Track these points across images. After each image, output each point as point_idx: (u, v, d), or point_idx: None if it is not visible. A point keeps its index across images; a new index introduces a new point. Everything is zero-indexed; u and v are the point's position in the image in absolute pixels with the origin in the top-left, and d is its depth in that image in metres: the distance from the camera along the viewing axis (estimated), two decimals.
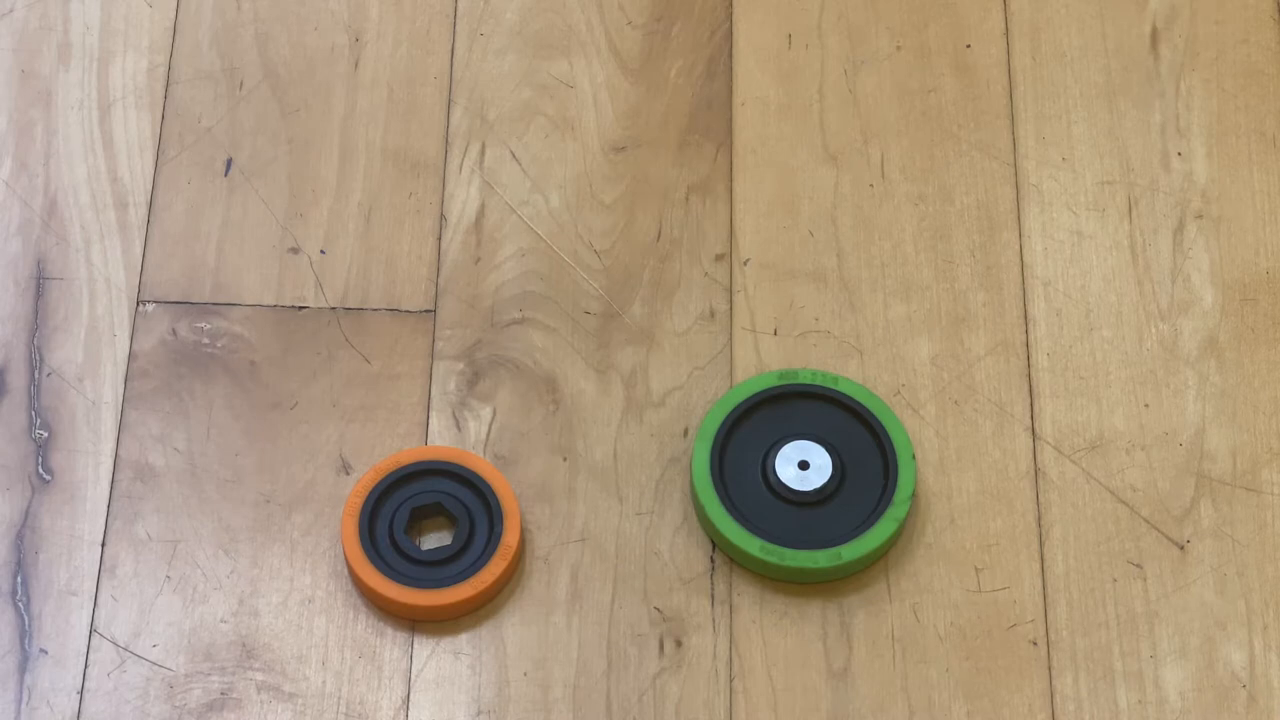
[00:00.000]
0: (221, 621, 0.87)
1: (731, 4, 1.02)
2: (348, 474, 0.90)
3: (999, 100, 0.99)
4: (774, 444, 0.89)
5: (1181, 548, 0.89)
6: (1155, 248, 0.96)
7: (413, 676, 0.86)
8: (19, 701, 0.85)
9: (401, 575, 0.86)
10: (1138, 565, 0.89)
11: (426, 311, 0.94)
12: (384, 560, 0.87)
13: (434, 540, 0.89)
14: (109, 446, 0.90)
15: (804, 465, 0.89)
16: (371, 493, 0.88)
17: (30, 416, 0.91)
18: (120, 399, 0.92)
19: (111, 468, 0.90)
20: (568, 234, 0.96)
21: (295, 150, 0.98)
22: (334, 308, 0.94)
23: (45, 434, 0.91)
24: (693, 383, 0.93)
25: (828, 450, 0.89)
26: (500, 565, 0.86)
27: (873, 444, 0.89)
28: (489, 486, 0.88)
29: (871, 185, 0.97)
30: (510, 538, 0.87)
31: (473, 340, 0.93)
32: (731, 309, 0.94)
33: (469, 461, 0.88)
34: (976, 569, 0.88)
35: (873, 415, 0.89)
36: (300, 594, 0.88)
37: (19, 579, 0.87)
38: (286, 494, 0.90)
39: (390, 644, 0.87)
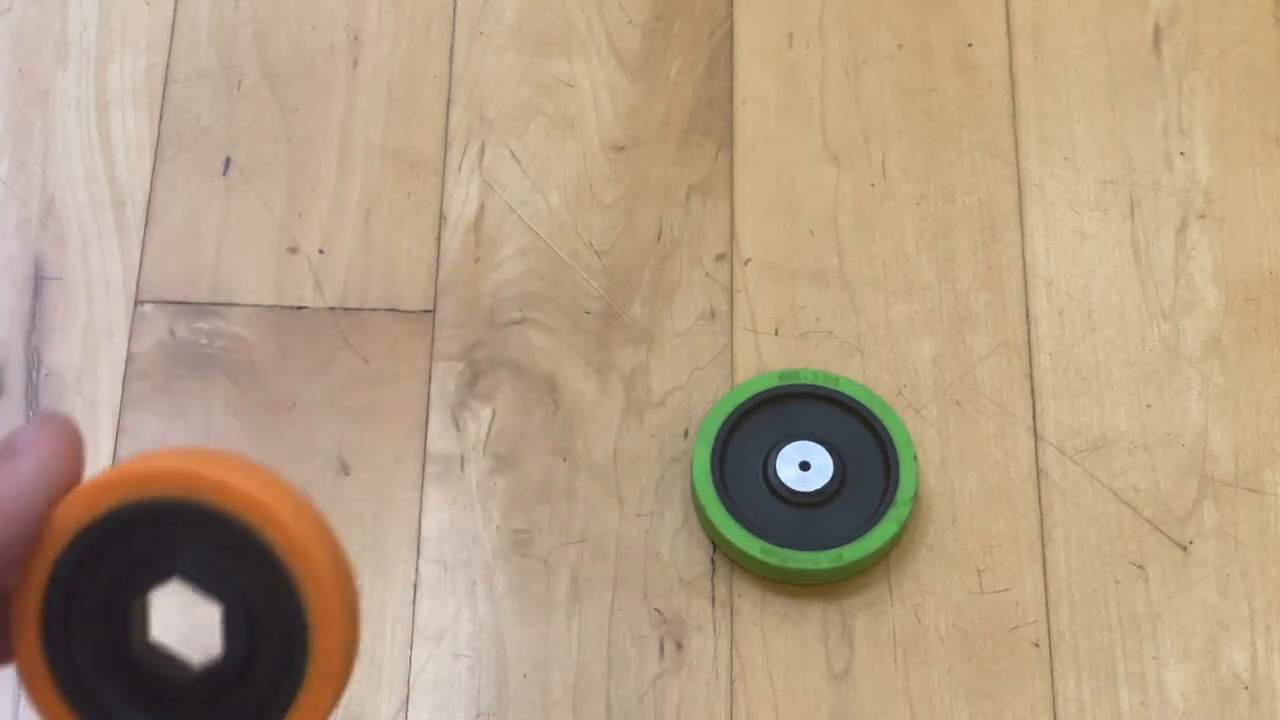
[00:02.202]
0: None
1: (732, 3, 1.02)
2: (347, 475, 0.90)
3: (1001, 99, 0.99)
4: (775, 444, 0.89)
5: (1184, 549, 0.89)
6: (1158, 247, 0.96)
7: (412, 678, 0.86)
8: (19, 702, 0.85)
9: None
10: (1140, 566, 0.88)
11: (426, 311, 0.94)
12: None
13: None
14: (107, 447, 0.90)
15: (805, 466, 0.88)
16: None
17: (29, 417, 0.91)
18: (118, 400, 0.91)
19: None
20: (568, 234, 0.96)
21: (294, 150, 0.98)
22: (333, 308, 0.94)
23: None
24: (693, 383, 0.92)
25: (829, 451, 0.89)
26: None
27: (874, 444, 0.89)
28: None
29: (873, 185, 0.97)
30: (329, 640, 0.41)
31: (472, 340, 0.93)
32: (732, 309, 0.94)
33: None
34: (978, 570, 0.88)
35: (874, 416, 0.89)
36: None
37: None
38: None
39: (390, 645, 0.86)
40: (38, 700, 0.41)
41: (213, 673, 0.42)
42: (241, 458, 0.41)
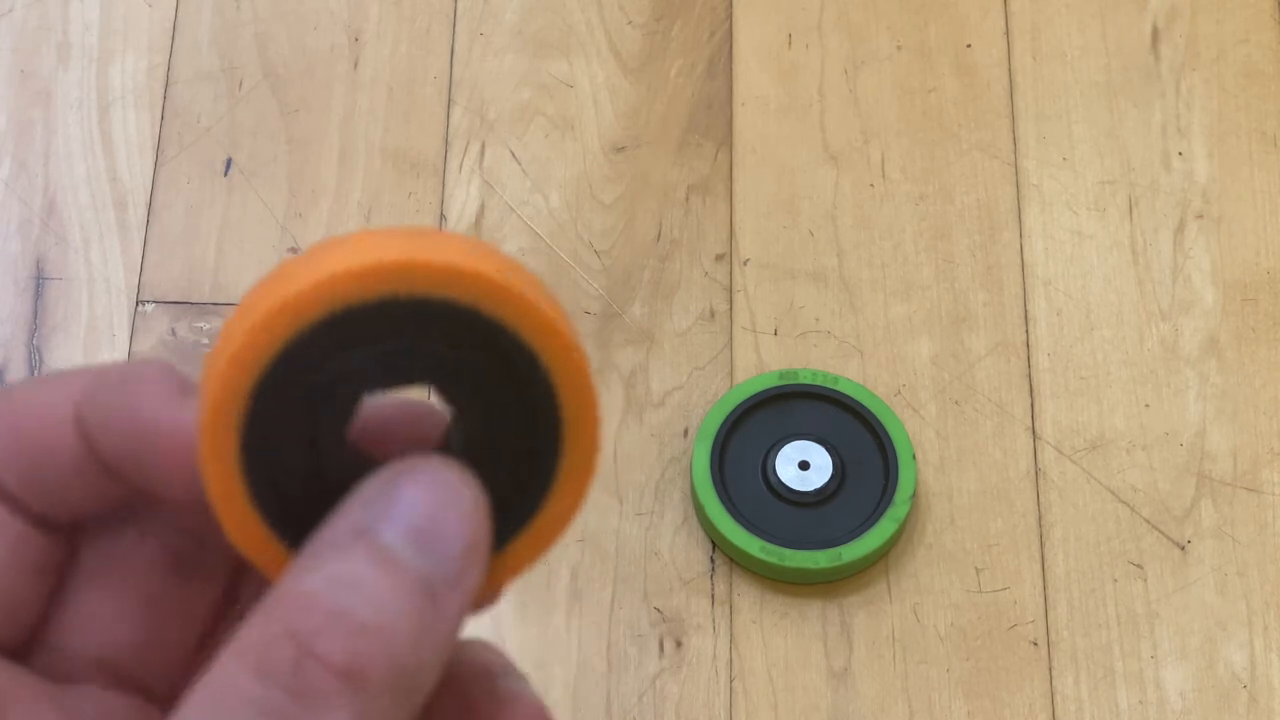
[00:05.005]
0: None
1: (731, 3, 1.02)
2: None
3: (999, 100, 0.99)
4: (774, 444, 0.89)
5: (1182, 548, 0.89)
6: (1156, 247, 0.96)
7: None
8: None
9: None
10: (1138, 565, 0.89)
11: None
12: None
13: None
14: None
15: (804, 465, 0.89)
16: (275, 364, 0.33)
17: None
18: None
19: None
20: (568, 234, 0.96)
21: (295, 150, 0.98)
22: None
23: None
24: (693, 383, 0.92)
25: (828, 450, 0.89)
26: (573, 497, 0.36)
27: (873, 444, 0.89)
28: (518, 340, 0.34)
29: (872, 185, 0.97)
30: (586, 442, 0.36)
31: None
32: (731, 309, 0.94)
33: (464, 286, 0.33)
34: (977, 569, 0.88)
35: (873, 415, 0.89)
36: None
37: None
38: None
39: None
40: (222, 500, 0.34)
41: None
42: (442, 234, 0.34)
